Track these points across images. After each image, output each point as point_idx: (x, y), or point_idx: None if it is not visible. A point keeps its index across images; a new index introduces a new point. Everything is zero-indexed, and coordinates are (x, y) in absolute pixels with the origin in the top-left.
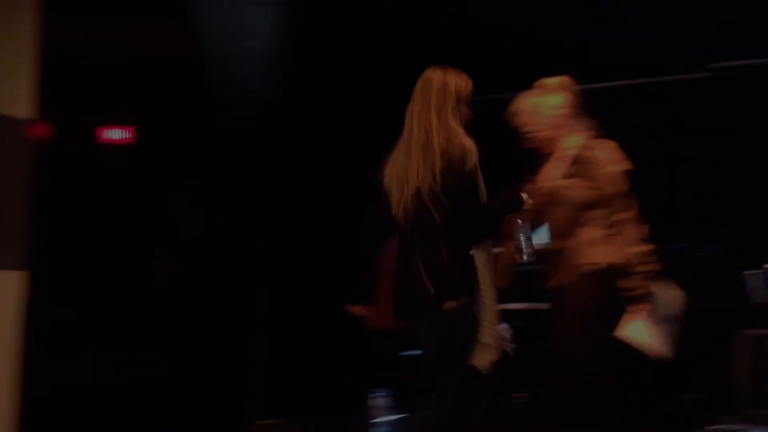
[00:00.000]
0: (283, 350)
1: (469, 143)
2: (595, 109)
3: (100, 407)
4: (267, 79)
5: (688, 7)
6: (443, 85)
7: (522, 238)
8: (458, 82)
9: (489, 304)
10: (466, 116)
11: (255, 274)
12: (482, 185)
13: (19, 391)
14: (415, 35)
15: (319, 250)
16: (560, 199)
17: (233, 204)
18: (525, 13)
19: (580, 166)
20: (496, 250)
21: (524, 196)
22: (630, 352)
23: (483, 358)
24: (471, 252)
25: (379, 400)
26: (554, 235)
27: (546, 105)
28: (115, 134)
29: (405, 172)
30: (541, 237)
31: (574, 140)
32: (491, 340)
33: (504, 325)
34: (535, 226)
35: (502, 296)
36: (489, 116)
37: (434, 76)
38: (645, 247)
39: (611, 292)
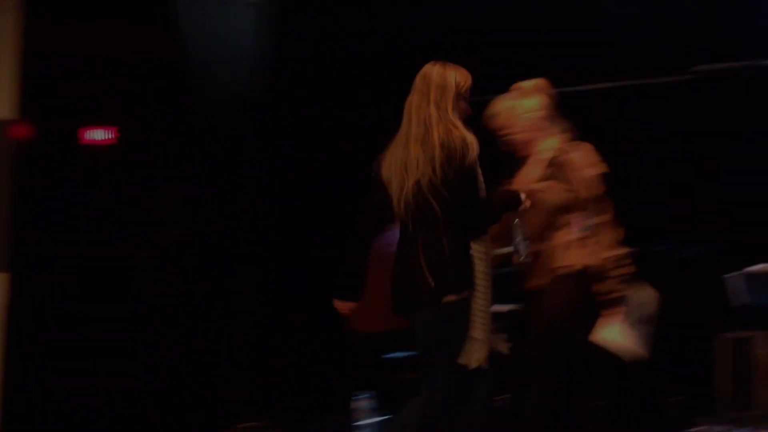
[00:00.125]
0: (265, 353)
1: (470, 137)
2: (576, 112)
3: (82, 410)
4: (250, 79)
5: (669, 9)
6: (442, 80)
7: (519, 239)
8: (458, 76)
9: (483, 299)
10: (465, 111)
11: (238, 276)
12: (482, 180)
13: (2, 392)
14: (398, 35)
15: (304, 251)
16: (536, 202)
17: (217, 204)
18: (503, 14)
19: (556, 169)
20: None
21: (522, 196)
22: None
23: (471, 354)
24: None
25: (362, 402)
26: (530, 237)
27: (522, 107)
28: (98, 135)
29: (404, 165)
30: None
31: (551, 143)
32: (481, 335)
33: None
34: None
35: None
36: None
37: (433, 70)
38: (620, 251)
39: (587, 294)
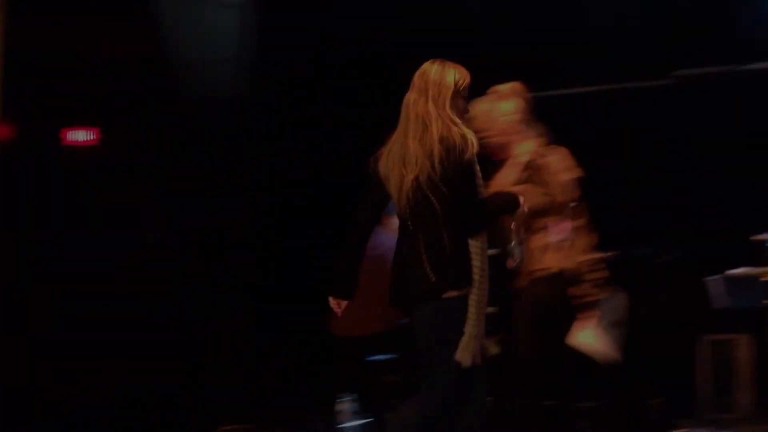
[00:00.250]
0: (249, 355)
1: (470, 133)
2: (557, 116)
3: (68, 413)
4: (232, 80)
5: (652, 14)
6: (441, 77)
7: (514, 243)
8: (456, 74)
9: (478, 295)
10: (463, 109)
11: (222, 278)
12: (480, 178)
13: None
14: (381, 35)
15: (288, 253)
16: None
17: (200, 206)
18: (485, 17)
19: (532, 172)
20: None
21: (521, 199)
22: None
23: (464, 351)
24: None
25: (346, 404)
26: (507, 241)
27: (499, 111)
28: (80, 136)
29: (403, 161)
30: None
31: (527, 146)
32: (473, 330)
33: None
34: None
35: None
36: None
37: (432, 68)
38: (594, 255)
39: (563, 296)
